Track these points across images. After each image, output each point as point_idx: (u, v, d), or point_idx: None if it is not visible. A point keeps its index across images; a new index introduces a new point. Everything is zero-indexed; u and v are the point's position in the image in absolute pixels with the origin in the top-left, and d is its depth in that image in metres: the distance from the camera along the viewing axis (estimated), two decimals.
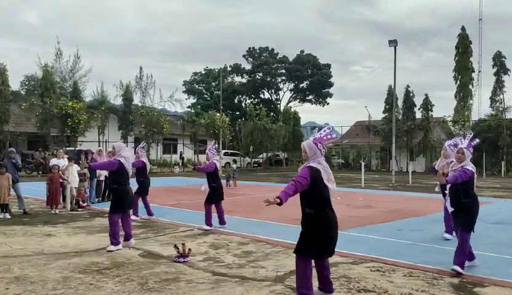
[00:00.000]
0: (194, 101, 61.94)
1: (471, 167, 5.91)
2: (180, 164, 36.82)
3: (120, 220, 7.17)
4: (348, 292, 4.93)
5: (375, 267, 6.03)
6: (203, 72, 63.47)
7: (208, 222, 8.80)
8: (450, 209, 5.94)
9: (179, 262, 6.11)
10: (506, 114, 35.72)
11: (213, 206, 9.02)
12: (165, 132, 34.78)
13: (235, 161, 26.25)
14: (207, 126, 37.59)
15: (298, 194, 4.41)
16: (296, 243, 4.55)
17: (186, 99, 60.50)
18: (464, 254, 5.69)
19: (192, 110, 48.80)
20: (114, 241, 7.01)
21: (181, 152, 39.23)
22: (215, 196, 9.06)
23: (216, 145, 9.69)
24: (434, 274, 5.67)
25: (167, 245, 7.23)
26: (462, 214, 5.81)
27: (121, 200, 7.25)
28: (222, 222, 9.12)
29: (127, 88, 33.42)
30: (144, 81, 35.36)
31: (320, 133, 4.58)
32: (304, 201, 4.47)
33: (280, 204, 4.11)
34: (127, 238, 7.24)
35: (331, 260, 6.44)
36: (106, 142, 30.04)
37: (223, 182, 19.68)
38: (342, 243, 7.38)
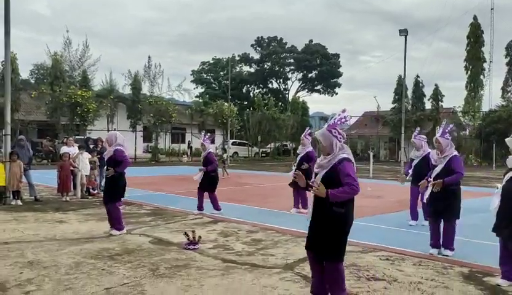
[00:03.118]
0: (202, 90, 61.92)
1: (456, 153, 6.17)
2: (188, 153, 36.96)
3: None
4: (358, 280, 4.95)
5: (385, 256, 6.04)
6: (211, 61, 63.36)
7: (200, 207, 9.29)
8: (426, 197, 6.12)
9: (189, 249, 6.16)
10: None
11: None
12: (174, 121, 34.85)
13: (225, 151, 26.46)
14: (215, 116, 37.60)
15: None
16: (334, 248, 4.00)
17: (194, 88, 60.61)
18: (453, 238, 6.06)
19: (201, 100, 48.78)
20: (120, 226, 7.17)
21: (189, 141, 39.33)
22: (213, 184, 9.39)
23: (209, 134, 9.86)
24: (443, 263, 5.68)
25: (176, 232, 7.29)
26: (449, 202, 6.00)
27: (122, 187, 7.30)
28: (217, 208, 9.34)
29: (136, 77, 33.45)
30: (152, 70, 35.32)
31: (334, 118, 4.11)
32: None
33: (326, 198, 3.81)
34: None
35: None
36: (115, 130, 30.14)
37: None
38: (351, 232, 7.41)
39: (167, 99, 35.47)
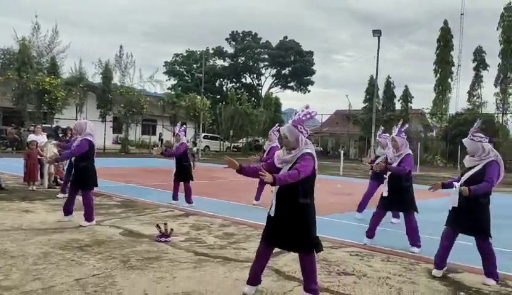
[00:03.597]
0: (175, 82, 61.19)
1: (410, 152, 6.58)
2: (159, 145, 36.57)
3: (75, 197, 7.19)
4: (328, 274, 5.04)
5: (354, 251, 6.17)
6: (184, 53, 62.66)
7: (175, 197, 9.48)
8: (386, 194, 6.42)
9: (161, 241, 6.12)
10: (482, 109, 36.53)
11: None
12: (145, 113, 34.37)
13: (195, 144, 26.39)
14: (187, 109, 37.27)
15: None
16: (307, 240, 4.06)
17: (166, 80, 59.75)
18: (418, 233, 6.31)
19: (173, 92, 48.19)
20: (91, 217, 7.06)
21: (160, 133, 38.91)
22: (186, 174, 9.49)
23: (185, 127, 9.93)
24: (410, 260, 5.85)
25: (147, 225, 7.23)
26: (404, 197, 6.39)
27: (92, 176, 7.18)
28: (189, 200, 9.36)
29: (107, 67, 32.75)
30: (124, 60, 34.68)
31: (299, 114, 4.19)
32: (300, 191, 3.99)
33: (272, 184, 3.87)
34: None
35: None
36: (84, 120, 29.46)
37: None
38: (322, 228, 7.50)
39: (139, 90, 34.92)
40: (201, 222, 7.79)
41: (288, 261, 5.37)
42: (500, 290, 4.80)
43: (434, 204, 10.29)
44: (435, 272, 5.22)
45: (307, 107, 4.21)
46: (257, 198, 9.97)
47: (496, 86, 35.48)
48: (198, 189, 11.92)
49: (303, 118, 4.15)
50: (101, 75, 32.84)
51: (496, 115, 35.36)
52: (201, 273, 4.87)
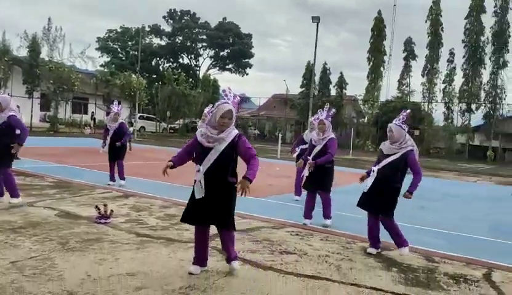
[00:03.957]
0: (108, 59, 58.70)
1: (333, 135, 6.92)
2: (92, 125, 35.13)
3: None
4: (271, 253, 5.17)
5: (295, 231, 6.36)
6: (119, 30, 60.15)
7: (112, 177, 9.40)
8: (306, 174, 6.82)
9: (100, 223, 5.95)
10: (410, 97, 38.62)
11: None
12: (76, 90, 32.75)
13: (131, 125, 25.79)
14: (122, 88, 35.99)
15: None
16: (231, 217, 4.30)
17: (99, 57, 57.05)
18: (330, 209, 6.87)
19: (106, 70, 46.27)
20: (17, 192, 6.80)
21: (92, 112, 37.39)
22: (123, 152, 9.49)
23: (121, 106, 9.68)
24: (347, 239, 6.14)
25: (84, 206, 6.98)
26: (324, 177, 6.82)
27: (13, 154, 6.82)
28: (123, 176, 9.39)
29: (34, 40, 30.71)
30: (52, 33, 32.66)
31: (233, 97, 4.29)
32: (229, 171, 4.18)
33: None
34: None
35: (254, 224, 6.71)
36: (9, 96, 27.57)
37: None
38: (263, 209, 7.71)
39: (69, 66, 33.13)
40: (141, 203, 7.65)
41: None
42: (428, 265, 5.18)
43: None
44: (370, 250, 5.53)
45: (229, 89, 4.30)
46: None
47: (423, 76, 37.58)
48: (135, 170, 11.68)
49: (236, 100, 4.31)
50: (27, 49, 30.77)
51: (422, 103, 37.53)
52: (144, 254, 4.81)
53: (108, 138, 9.30)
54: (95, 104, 36.84)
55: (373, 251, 5.52)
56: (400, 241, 5.47)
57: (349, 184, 7.04)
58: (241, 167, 4.22)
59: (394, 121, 5.47)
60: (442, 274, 4.89)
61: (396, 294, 4.17)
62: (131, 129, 23.28)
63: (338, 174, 7.89)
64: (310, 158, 6.80)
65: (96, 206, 6.21)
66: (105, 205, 6.24)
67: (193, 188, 4.31)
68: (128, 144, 18.80)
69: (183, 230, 5.94)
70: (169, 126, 42.34)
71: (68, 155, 15.52)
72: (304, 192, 8.26)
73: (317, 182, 6.79)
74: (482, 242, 6.77)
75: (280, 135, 25.71)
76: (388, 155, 5.41)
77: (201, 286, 3.99)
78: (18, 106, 8.42)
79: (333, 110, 7.32)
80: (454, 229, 7.41)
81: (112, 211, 6.24)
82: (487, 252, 5.95)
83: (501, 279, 4.84)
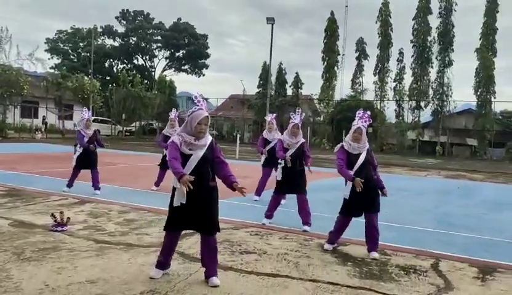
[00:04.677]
0: (59, 61, 56.82)
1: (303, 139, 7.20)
2: (43, 129, 33.94)
3: None
4: (232, 254, 5.28)
5: (254, 231, 6.49)
6: (69, 30, 58.31)
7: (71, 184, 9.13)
8: (279, 178, 6.97)
9: (57, 231, 5.84)
10: (363, 96, 39.74)
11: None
12: (26, 94, 31.54)
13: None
14: (74, 90, 35.01)
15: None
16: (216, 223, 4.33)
17: (48, 59, 55.14)
18: (309, 212, 6.84)
19: (57, 72, 44.78)
20: None
21: (44, 116, 36.12)
22: (96, 159, 9.25)
23: (90, 111, 9.50)
24: (305, 237, 6.33)
25: (40, 214, 6.83)
26: (299, 180, 6.96)
27: None
28: (98, 186, 9.15)
29: None
30: None
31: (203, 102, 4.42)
32: (210, 175, 4.28)
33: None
34: None
35: None
36: None
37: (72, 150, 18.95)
38: (224, 211, 7.72)
39: (17, 69, 31.86)
40: (99, 209, 7.54)
41: (192, 244, 5.49)
42: (380, 258, 5.44)
43: (326, 184, 11.14)
44: (327, 246, 5.73)
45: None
46: (157, 184, 9.86)
47: (375, 75, 38.80)
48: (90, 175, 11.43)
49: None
50: None
51: (375, 102, 38.72)
52: (104, 260, 4.79)
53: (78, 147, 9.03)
54: (46, 107, 35.58)
55: (330, 247, 5.72)
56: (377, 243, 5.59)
57: (309, 181, 7.24)
58: None
59: (360, 123, 5.56)
60: (394, 266, 5.15)
61: (351, 287, 4.38)
62: None
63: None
64: (280, 162, 6.96)
65: (52, 214, 6.09)
66: (61, 212, 6.13)
67: (171, 196, 4.26)
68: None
69: (142, 235, 5.95)
70: (125, 129, 41.51)
71: (19, 161, 14.98)
72: (265, 193, 8.44)
73: (294, 185, 6.92)
74: (430, 234, 7.14)
75: (238, 135, 25.81)
76: (359, 154, 5.54)
77: (163, 290, 4.03)
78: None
79: (304, 114, 7.55)
80: (405, 222, 7.77)
81: (68, 218, 6.14)
82: (434, 243, 6.31)
83: (447, 268, 5.16)
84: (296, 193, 6.96)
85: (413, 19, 36.88)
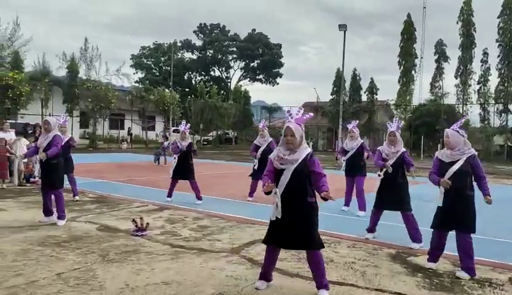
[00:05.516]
0: (142, 75, 60.57)
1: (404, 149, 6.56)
2: (128, 140, 36.25)
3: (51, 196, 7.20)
4: (298, 261, 5.38)
5: (323, 239, 6.50)
6: (152, 46, 62.01)
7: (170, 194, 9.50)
8: (380, 190, 6.42)
9: (137, 235, 6.32)
10: (444, 100, 37.89)
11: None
12: (113, 107, 33.98)
13: (166, 138, 26.31)
14: (156, 103, 37.08)
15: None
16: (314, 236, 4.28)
17: (133, 73, 59.08)
18: (417, 228, 6.23)
19: (141, 86, 47.71)
20: (65, 214, 7.08)
21: (129, 128, 38.58)
22: (192, 171, 9.56)
23: (189, 124, 10.02)
24: (374, 246, 6.26)
25: (123, 219, 7.40)
26: (400, 195, 6.34)
27: (62, 173, 7.35)
28: (200, 196, 9.46)
29: (73, 61, 32.17)
30: (89, 53, 34.14)
31: (297, 114, 4.23)
32: (308, 190, 4.15)
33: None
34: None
35: None
36: (50, 115, 28.97)
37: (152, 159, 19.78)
38: None
39: (106, 84, 34.47)
40: (175, 215, 8.01)
41: (261, 250, 5.66)
42: (454, 270, 5.24)
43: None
44: (430, 265, 5.32)
45: (301, 108, 4.29)
46: (251, 194, 9.88)
47: (456, 78, 36.87)
48: (168, 183, 12.10)
49: (304, 118, 4.22)
50: (66, 70, 32.24)
51: (457, 105, 36.75)
52: (179, 264, 5.12)
53: (176, 157, 9.45)
54: (131, 119, 38.00)
55: (433, 265, 5.34)
56: (472, 261, 5.07)
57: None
58: None
59: (451, 127, 5.20)
60: (467, 278, 4.95)
61: None
62: (165, 143, 23.93)
63: (369, 180, 8.04)
64: (381, 174, 6.41)
65: (133, 220, 6.60)
66: (141, 218, 6.62)
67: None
68: (163, 158, 19.59)
69: (214, 241, 6.25)
70: (202, 138, 43.12)
71: (106, 170, 16.20)
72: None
73: (394, 201, 6.35)
74: (510, 246, 6.73)
75: (311, 143, 25.77)
76: (453, 163, 5.10)
77: (231, 293, 4.25)
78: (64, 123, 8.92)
79: (402, 122, 7.10)
80: (484, 233, 7.34)
81: (148, 223, 6.62)
82: None
83: None
84: (398, 210, 6.39)
85: (498, 17, 34.60)
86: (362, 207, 8.55)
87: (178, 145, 9.39)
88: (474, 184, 5.18)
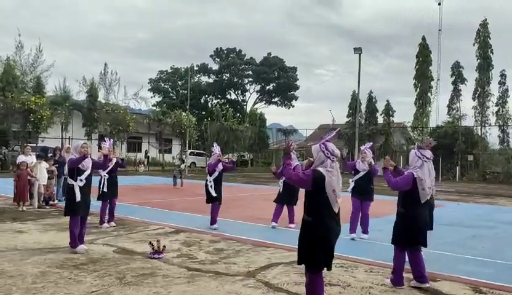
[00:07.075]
0: (160, 99, 61.46)
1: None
2: (145, 163, 36.60)
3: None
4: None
5: (339, 263, 6.46)
6: (169, 70, 63.05)
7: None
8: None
9: (154, 258, 6.35)
10: (461, 122, 37.52)
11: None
12: (131, 130, 34.47)
13: (182, 161, 26.43)
14: (173, 126, 37.49)
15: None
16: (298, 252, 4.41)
17: (151, 97, 59.97)
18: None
19: (158, 109, 48.42)
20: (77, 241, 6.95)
21: (146, 150, 38.98)
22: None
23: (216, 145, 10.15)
24: (392, 270, 6.16)
25: (140, 242, 7.45)
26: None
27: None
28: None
29: (92, 85, 32.91)
30: (108, 77, 34.92)
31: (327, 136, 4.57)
32: (305, 208, 4.34)
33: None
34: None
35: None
36: (69, 139, 29.53)
37: (171, 182, 19.80)
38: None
39: (124, 108, 35.08)
40: (191, 238, 8.03)
41: (277, 274, 5.65)
42: None
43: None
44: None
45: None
46: (275, 220, 9.49)
47: (474, 100, 36.56)
48: (186, 205, 12.19)
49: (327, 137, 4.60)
50: (86, 94, 32.96)
51: (475, 127, 36.34)
52: (195, 287, 5.13)
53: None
54: (148, 142, 38.44)
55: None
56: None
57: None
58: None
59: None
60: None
61: None
62: (182, 166, 24.11)
63: (384, 203, 7.96)
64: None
65: (150, 242, 6.64)
66: (158, 241, 6.66)
67: None
68: (180, 180, 19.71)
69: (230, 264, 6.24)
70: None
71: (124, 193, 16.25)
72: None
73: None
74: None
75: None
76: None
77: None
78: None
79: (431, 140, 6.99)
80: (505, 258, 7.21)
81: (164, 246, 6.65)
82: None
83: None
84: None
85: None
86: (366, 231, 8.55)
87: (214, 168, 9.57)
88: None
